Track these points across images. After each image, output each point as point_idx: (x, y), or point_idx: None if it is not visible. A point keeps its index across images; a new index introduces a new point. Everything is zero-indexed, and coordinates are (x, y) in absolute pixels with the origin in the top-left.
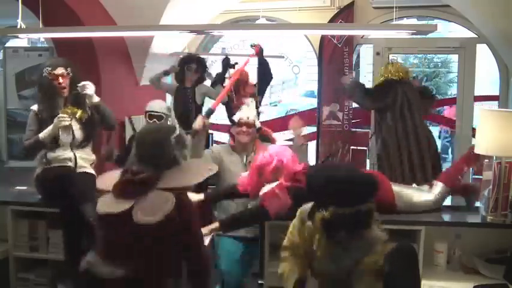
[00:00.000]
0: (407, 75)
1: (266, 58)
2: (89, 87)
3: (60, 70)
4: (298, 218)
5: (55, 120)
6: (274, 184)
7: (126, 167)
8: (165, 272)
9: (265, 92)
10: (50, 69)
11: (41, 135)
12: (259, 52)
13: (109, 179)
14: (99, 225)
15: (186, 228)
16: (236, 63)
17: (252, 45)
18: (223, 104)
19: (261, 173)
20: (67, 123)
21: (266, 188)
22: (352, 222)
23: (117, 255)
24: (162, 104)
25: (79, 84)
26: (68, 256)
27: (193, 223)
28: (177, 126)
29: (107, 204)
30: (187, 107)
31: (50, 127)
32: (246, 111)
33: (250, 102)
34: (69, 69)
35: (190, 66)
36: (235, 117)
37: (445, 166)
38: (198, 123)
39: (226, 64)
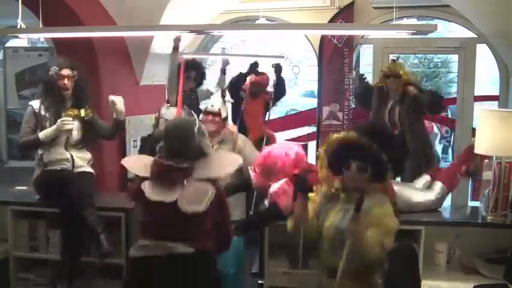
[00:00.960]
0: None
1: (263, 64)
2: (120, 103)
3: (67, 71)
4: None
5: (58, 122)
6: (280, 183)
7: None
8: (207, 246)
9: (275, 104)
10: (57, 69)
11: (41, 135)
12: (277, 69)
13: (139, 164)
14: (148, 210)
15: (221, 211)
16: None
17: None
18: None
19: (268, 172)
20: (70, 126)
21: (274, 188)
22: (364, 154)
23: (167, 235)
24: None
25: (113, 98)
26: (67, 256)
27: (226, 206)
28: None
29: (155, 192)
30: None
31: (52, 128)
32: (213, 101)
33: (216, 91)
34: (75, 71)
35: (188, 74)
36: (202, 107)
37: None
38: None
39: (253, 69)
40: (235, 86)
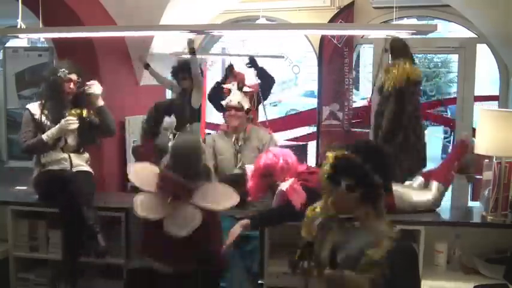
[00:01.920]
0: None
1: (262, 63)
2: (97, 88)
3: (74, 76)
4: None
5: (62, 121)
6: (289, 182)
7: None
8: (189, 267)
9: (268, 95)
10: (67, 71)
11: (45, 136)
12: (252, 62)
13: (143, 175)
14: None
15: (206, 239)
16: (231, 66)
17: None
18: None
19: (270, 174)
20: (75, 126)
21: (284, 186)
22: (355, 173)
23: (153, 253)
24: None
25: (88, 83)
26: (68, 256)
27: (212, 237)
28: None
29: (143, 207)
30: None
31: (55, 129)
32: (233, 96)
33: (232, 86)
34: (80, 78)
35: (185, 75)
36: (223, 103)
37: None
38: None
39: (229, 72)
40: (216, 96)
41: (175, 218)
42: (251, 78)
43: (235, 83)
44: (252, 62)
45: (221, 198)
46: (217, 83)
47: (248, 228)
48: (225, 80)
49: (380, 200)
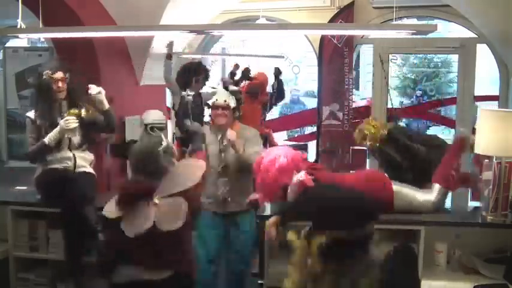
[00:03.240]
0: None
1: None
2: (100, 92)
3: (60, 74)
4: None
5: (61, 123)
6: (302, 173)
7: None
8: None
9: (274, 106)
10: (50, 72)
11: (47, 139)
12: (277, 73)
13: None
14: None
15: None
16: (250, 78)
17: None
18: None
19: (283, 175)
20: (74, 125)
21: (300, 176)
22: (349, 247)
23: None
24: (160, 114)
25: (90, 91)
26: (69, 256)
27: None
28: (163, 137)
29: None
30: (201, 113)
31: (56, 130)
32: (220, 94)
33: (217, 85)
34: (67, 74)
35: (198, 78)
36: (210, 101)
37: None
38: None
39: (245, 75)
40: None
41: (132, 218)
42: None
43: (221, 83)
44: (278, 72)
45: (184, 179)
46: (231, 76)
47: (278, 224)
48: (239, 81)
49: (371, 241)
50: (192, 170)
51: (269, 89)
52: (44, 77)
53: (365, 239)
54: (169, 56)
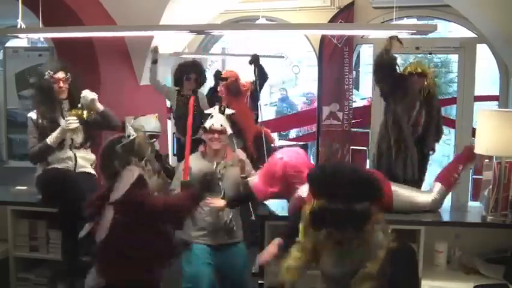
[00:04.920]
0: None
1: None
2: (89, 97)
3: (61, 74)
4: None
5: (63, 123)
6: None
7: None
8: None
9: (260, 90)
10: (51, 72)
11: (49, 140)
12: (255, 60)
13: None
14: None
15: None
16: (223, 78)
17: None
18: None
19: (291, 182)
20: (76, 125)
21: (303, 192)
22: (342, 220)
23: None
24: (153, 122)
25: (82, 95)
26: (66, 256)
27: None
28: (131, 132)
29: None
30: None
31: (58, 131)
32: (217, 118)
33: (213, 110)
34: (69, 74)
35: (189, 76)
36: (206, 124)
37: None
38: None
39: (217, 76)
40: (214, 100)
41: (101, 224)
42: (245, 76)
43: (217, 107)
44: (255, 61)
45: (123, 185)
46: (211, 88)
47: (281, 247)
48: (216, 86)
49: (369, 222)
50: (128, 178)
51: (251, 78)
52: (46, 76)
53: (361, 216)
54: (154, 61)
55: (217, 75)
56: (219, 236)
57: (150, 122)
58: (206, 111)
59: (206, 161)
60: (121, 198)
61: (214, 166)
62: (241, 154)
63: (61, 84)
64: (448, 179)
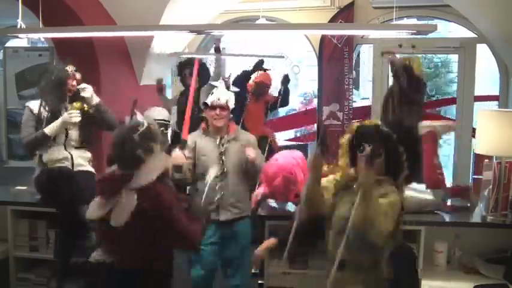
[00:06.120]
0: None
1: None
2: (87, 90)
3: (78, 75)
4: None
5: (65, 115)
6: None
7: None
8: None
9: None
10: (74, 69)
11: (47, 130)
12: (285, 81)
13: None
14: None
15: (158, 216)
16: (269, 69)
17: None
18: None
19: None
20: (77, 119)
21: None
22: (377, 138)
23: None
24: (164, 112)
25: (79, 86)
26: (62, 256)
27: (164, 211)
28: (143, 120)
29: (91, 210)
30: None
31: (58, 122)
32: (219, 94)
33: (219, 83)
34: (80, 77)
35: (185, 72)
36: (208, 100)
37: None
38: (177, 159)
39: (258, 66)
40: (240, 84)
41: (116, 208)
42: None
43: (223, 82)
44: (286, 79)
45: (146, 173)
46: (245, 71)
47: (276, 248)
48: (252, 72)
49: (402, 175)
50: (156, 166)
51: (276, 93)
52: (70, 70)
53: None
54: (161, 91)
55: (260, 64)
56: (216, 211)
57: (160, 112)
58: (212, 83)
59: (209, 137)
60: (149, 186)
61: (218, 141)
62: (251, 137)
63: (74, 83)
64: (431, 177)
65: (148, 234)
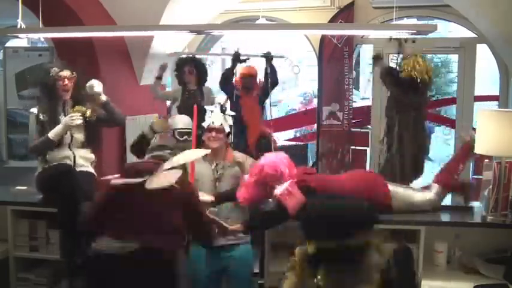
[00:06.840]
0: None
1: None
2: (97, 86)
3: (67, 72)
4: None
5: (66, 119)
6: (284, 186)
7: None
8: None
9: (269, 94)
10: (57, 70)
11: (51, 135)
12: (268, 57)
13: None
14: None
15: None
16: (248, 58)
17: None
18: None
19: (267, 184)
20: (79, 121)
21: (279, 190)
22: (336, 258)
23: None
24: (188, 120)
25: (88, 84)
26: (64, 256)
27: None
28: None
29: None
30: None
31: (60, 126)
32: (214, 117)
33: (214, 108)
34: (74, 73)
35: (192, 69)
36: (205, 123)
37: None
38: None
39: (236, 59)
40: (226, 84)
41: (156, 176)
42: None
43: (218, 105)
44: (269, 56)
45: (163, 178)
46: (227, 69)
47: (241, 230)
48: (232, 67)
49: (365, 251)
50: (169, 175)
51: (261, 75)
52: (52, 74)
53: (357, 249)
54: (159, 77)
55: (237, 58)
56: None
57: (182, 120)
58: (207, 107)
59: (206, 161)
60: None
61: (213, 166)
62: (240, 157)
63: (66, 82)
64: (448, 180)
65: (174, 218)
